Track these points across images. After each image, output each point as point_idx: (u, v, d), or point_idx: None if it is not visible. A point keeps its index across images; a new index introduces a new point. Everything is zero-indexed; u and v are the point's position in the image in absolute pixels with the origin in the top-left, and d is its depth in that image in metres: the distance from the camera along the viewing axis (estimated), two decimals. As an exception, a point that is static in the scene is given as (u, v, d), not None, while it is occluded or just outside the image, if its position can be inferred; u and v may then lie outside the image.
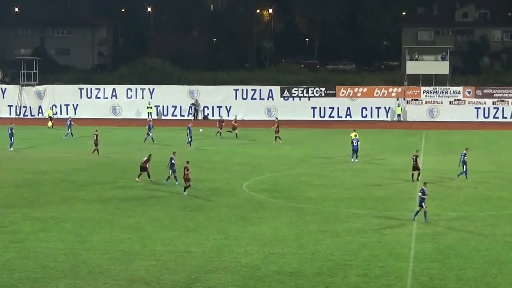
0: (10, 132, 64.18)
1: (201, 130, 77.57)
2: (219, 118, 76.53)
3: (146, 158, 49.54)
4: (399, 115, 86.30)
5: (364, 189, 46.52)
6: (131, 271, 29.74)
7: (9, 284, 28.38)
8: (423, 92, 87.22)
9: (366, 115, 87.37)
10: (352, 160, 57.90)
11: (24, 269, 30.04)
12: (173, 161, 47.47)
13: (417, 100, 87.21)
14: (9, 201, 42.84)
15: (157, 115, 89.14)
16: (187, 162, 44.70)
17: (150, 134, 67.75)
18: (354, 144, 57.90)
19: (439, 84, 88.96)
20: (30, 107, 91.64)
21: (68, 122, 72.67)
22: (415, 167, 49.36)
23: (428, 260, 31.19)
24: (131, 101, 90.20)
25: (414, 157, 49.57)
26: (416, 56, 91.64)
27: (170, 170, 47.40)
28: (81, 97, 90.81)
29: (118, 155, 60.85)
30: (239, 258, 31.45)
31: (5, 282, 28.57)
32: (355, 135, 58.88)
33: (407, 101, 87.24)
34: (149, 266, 30.44)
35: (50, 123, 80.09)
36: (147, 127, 68.84)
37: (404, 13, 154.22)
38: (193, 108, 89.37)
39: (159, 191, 45.94)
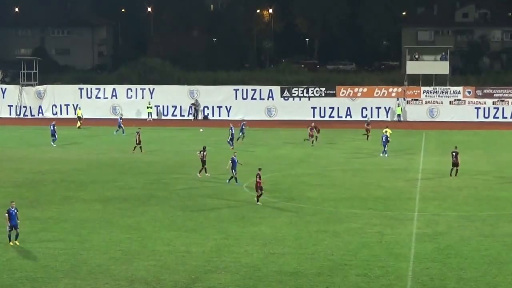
0: (52, 129, 66.68)
1: (201, 130, 77.61)
2: (312, 125, 68.39)
3: (202, 151, 50.66)
4: (399, 115, 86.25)
5: (364, 189, 46.54)
6: (131, 271, 29.76)
7: (9, 284, 28.40)
8: (423, 92, 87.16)
9: (366, 115, 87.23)
10: (381, 154, 59.45)
11: (24, 269, 30.06)
12: (232, 161, 47.18)
13: (417, 100, 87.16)
14: (9, 201, 42.74)
15: (157, 115, 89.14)
16: (259, 170, 42.60)
17: (243, 134, 67.89)
18: (383, 139, 59.71)
19: (439, 84, 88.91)
20: (30, 107, 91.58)
21: (119, 119, 75.31)
22: (455, 163, 50.50)
23: (428, 260, 31.21)
24: (131, 101, 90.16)
25: (454, 154, 50.80)
26: (416, 56, 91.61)
27: (233, 170, 47.21)
28: (81, 97, 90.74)
29: (118, 155, 60.85)
30: (239, 258, 31.48)
31: (5, 282, 28.59)
32: (385, 131, 60.94)
33: (407, 101, 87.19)
34: (149, 266, 30.46)
35: (78, 123, 79.84)
36: (241, 125, 68.91)
37: (404, 13, 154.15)
38: (193, 108, 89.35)
39: (159, 191, 45.95)
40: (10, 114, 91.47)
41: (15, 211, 33.36)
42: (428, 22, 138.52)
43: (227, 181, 47.73)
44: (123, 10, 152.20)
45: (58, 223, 37.59)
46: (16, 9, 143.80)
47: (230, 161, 47.33)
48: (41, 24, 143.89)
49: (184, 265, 30.63)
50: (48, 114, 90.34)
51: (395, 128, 79.58)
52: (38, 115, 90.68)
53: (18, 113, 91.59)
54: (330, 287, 28.21)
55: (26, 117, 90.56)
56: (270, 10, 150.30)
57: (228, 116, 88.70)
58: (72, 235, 35.10)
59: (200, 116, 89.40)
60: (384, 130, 61.78)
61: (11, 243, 33.05)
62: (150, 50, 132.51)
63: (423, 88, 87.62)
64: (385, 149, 59.95)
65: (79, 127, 79.37)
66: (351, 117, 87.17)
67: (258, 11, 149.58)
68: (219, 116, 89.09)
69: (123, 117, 78.09)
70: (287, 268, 30.21)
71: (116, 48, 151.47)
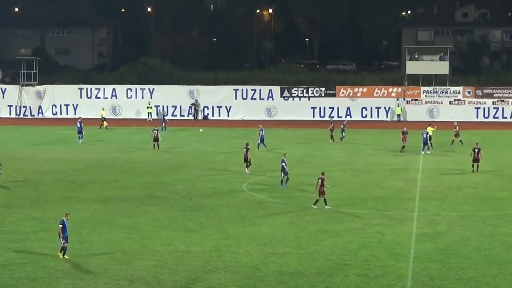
0: (79, 126, 68.68)
1: (201, 130, 77.61)
2: (404, 129, 64.72)
3: (245, 148, 52.06)
4: (399, 115, 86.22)
5: (364, 189, 46.51)
6: (131, 271, 29.76)
7: (9, 284, 28.39)
8: (423, 92, 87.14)
9: (366, 115, 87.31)
10: (423, 152, 61.04)
11: (24, 269, 30.05)
12: (283, 163, 46.76)
13: (417, 100, 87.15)
14: (9, 201, 42.86)
15: (157, 115, 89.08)
16: (323, 174, 41.79)
17: (343, 134, 68.42)
18: (424, 136, 61.46)
19: (439, 84, 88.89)
20: (30, 107, 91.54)
21: (163, 118, 78.82)
22: (476, 159, 52.07)
23: (428, 260, 31.21)
24: (131, 101, 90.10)
25: (476, 150, 52.36)
26: (416, 56, 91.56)
27: (282, 173, 46.76)
28: (81, 97, 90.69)
29: (118, 155, 60.84)
30: (239, 258, 31.47)
31: (5, 282, 28.58)
32: (428, 129, 62.68)
33: (407, 101, 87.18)
34: (149, 266, 30.46)
35: (105, 124, 79.47)
36: (341, 126, 69.34)
37: (404, 13, 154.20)
38: (193, 108, 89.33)
39: (159, 191, 45.94)
40: (10, 114, 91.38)
41: (67, 222, 31.80)
42: (428, 22, 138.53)
43: (281, 185, 46.92)
44: (123, 10, 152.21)
45: (58, 223, 37.51)
46: (16, 9, 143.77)
47: (282, 163, 46.85)
48: (41, 24, 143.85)
49: (184, 265, 30.63)
50: (48, 114, 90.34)
51: (395, 128, 79.68)
52: (38, 115, 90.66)
53: (18, 113, 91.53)
54: (330, 287, 28.21)
55: (26, 117, 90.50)
56: (270, 10, 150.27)
57: (228, 116, 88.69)
58: (72, 235, 34.97)
59: (200, 116, 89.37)
60: (427, 128, 63.08)
61: (66, 257, 31.26)
62: (150, 50, 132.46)
63: (423, 88, 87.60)
64: (428, 146, 61.77)
65: (106, 127, 78.97)
66: (351, 117, 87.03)
67: (258, 11, 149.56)
68: (219, 116, 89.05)
69: (166, 116, 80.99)
70: (287, 268, 30.21)
71: (116, 48, 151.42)
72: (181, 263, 30.89)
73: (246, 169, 52.06)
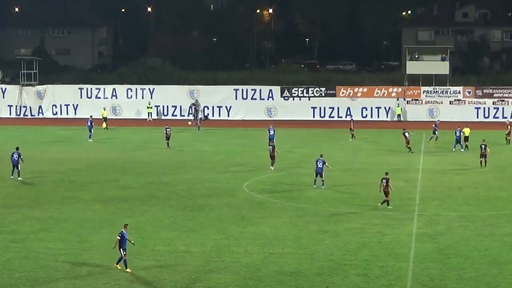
0: (89, 124, 69.76)
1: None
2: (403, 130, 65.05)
3: (271, 147, 53.77)
4: (399, 115, 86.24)
5: (364, 189, 46.50)
6: (131, 271, 29.74)
7: (9, 284, 28.40)
8: (423, 92, 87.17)
9: (366, 115, 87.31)
10: (454, 149, 62.74)
11: (24, 269, 30.06)
12: (319, 165, 46.57)
13: (417, 100, 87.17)
14: (9, 201, 42.86)
15: (157, 115, 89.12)
16: (386, 174, 41.74)
17: (436, 134, 68.13)
18: (457, 134, 63.30)
19: (439, 84, 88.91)
20: (30, 107, 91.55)
21: (200, 116, 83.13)
22: (483, 155, 53.75)
23: (428, 260, 31.22)
24: (131, 101, 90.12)
25: (483, 146, 54.04)
26: (416, 56, 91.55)
27: (322, 174, 46.52)
28: (81, 97, 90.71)
29: (118, 155, 60.84)
30: (239, 258, 31.48)
31: (5, 282, 28.59)
32: (463, 129, 64.26)
33: (407, 101, 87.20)
34: (149, 266, 30.46)
35: (104, 124, 79.30)
36: (433, 125, 69.30)
37: (404, 13, 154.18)
38: (193, 108, 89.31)
39: (159, 191, 45.94)
40: (10, 114, 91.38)
41: (126, 234, 30.44)
42: (428, 22, 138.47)
43: (322, 186, 46.74)
44: (123, 10, 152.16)
45: (58, 223, 37.59)
46: (16, 9, 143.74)
47: (321, 165, 46.73)
48: (41, 24, 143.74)
49: (184, 265, 30.64)
50: (48, 114, 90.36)
51: (395, 128, 79.69)
52: (38, 115, 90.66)
53: (18, 113, 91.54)
54: (330, 287, 28.22)
55: (26, 117, 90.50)
56: (270, 10, 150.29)
57: (228, 116, 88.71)
58: (72, 235, 35.09)
59: (200, 116, 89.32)
60: (464, 129, 64.35)
61: (128, 270, 29.71)
62: (150, 50, 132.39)
63: (423, 88, 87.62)
64: (458, 144, 63.10)
65: (105, 128, 78.75)
66: (351, 117, 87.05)
67: (258, 11, 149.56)
68: (219, 116, 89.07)
69: (203, 119, 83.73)
70: (287, 268, 30.22)
71: (116, 48, 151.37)
72: (181, 263, 30.89)
73: (271, 166, 53.01)
